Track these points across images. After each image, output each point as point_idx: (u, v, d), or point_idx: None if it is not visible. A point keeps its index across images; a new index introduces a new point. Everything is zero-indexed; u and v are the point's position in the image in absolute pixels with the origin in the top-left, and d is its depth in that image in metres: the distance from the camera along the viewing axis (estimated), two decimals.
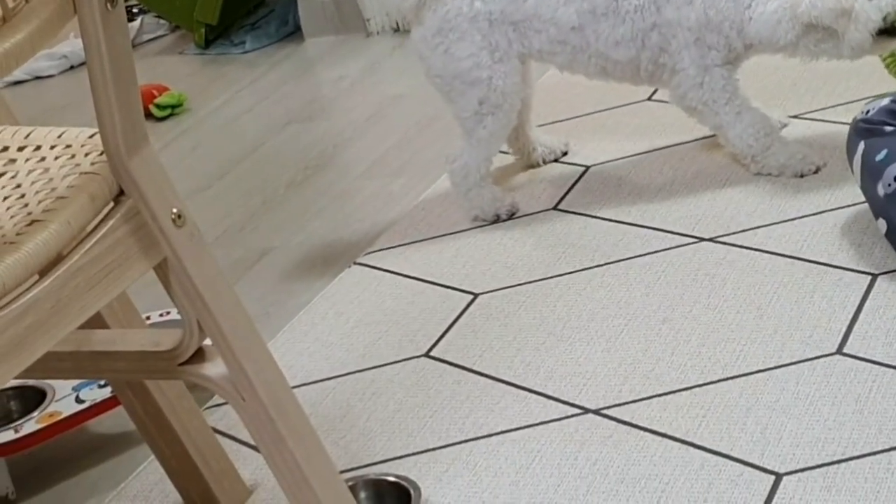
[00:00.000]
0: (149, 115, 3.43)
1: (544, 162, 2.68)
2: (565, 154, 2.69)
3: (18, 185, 1.44)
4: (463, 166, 2.51)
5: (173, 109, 3.54)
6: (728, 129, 2.44)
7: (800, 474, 1.71)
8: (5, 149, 1.52)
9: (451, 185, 2.55)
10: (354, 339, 2.25)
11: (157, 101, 3.51)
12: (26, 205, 1.41)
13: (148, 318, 2.18)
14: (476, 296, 2.29)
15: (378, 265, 2.48)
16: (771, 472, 1.72)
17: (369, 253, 2.53)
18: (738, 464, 1.75)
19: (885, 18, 2.26)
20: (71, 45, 4.06)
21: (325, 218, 2.77)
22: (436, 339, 2.19)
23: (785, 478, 1.70)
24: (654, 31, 2.40)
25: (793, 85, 2.75)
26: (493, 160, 2.55)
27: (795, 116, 2.63)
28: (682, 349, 2.01)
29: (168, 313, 2.23)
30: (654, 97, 2.85)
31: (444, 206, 2.64)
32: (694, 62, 2.40)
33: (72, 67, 4.09)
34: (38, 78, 4.06)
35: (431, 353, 2.16)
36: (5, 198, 1.43)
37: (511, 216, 2.51)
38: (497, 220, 2.51)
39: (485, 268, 2.37)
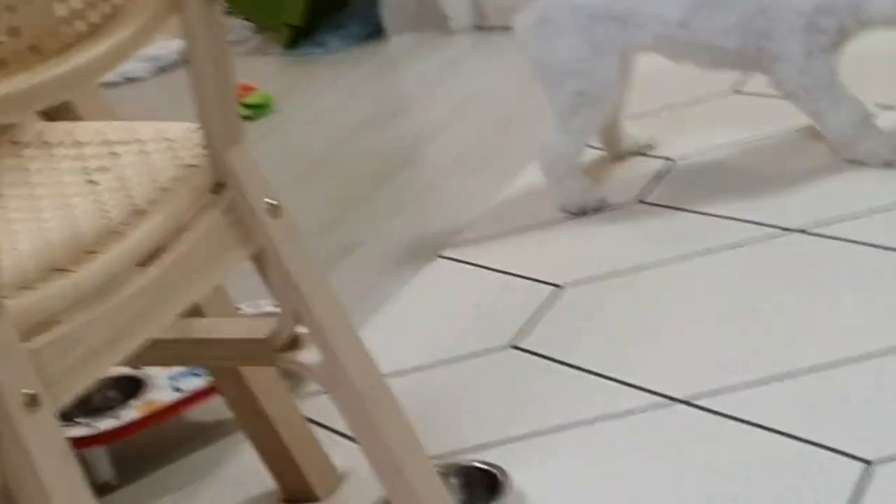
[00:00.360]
0: None
1: (628, 154, 2.70)
2: (649, 148, 2.70)
3: (123, 178, 1.48)
4: (555, 156, 2.53)
5: (261, 109, 3.59)
6: (826, 115, 2.43)
7: (892, 462, 1.71)
8: (109, 143, 1.56)
9: (542, 174, 2.57)
10: (441, 330, 2.28)
11: (245, 101, 3.55)
12: (131, 196, 1.44)
13: (240, 308, 2.21)
14: (561, 287, 2.31)
15: (462, 258, 2.50)
16: (862, 460, 1.72)
17: (454, 247, 2.56)
18: (828, 451, 1.75)
19: None
20: (160, 47, 4.11)
21: (409, 213, 2.80)
22: (522, 330, 2.21)
23: (876, 465, 1.71)
24: (760, 16, 2.39)
25: (880, 74, 2.75)
26: (584, 152, 2.56)
27: (883, 107, 2.62)
28: (771, 339, 2.02)
29: (259, 304, 2.26)
30: (739, 89, 2.86)
31: (527, 199, 2.66)
32: (800, 47, 2.39)
33: (162, 69, 4.14)
34: (129, 80, 4.12)
35: (518, 345, 2.18)
36: (111, 189, 1.47)
37: (598, 210, 2.53)
38: (583, 213, 2.53)
39: (569, 260, 2.39)
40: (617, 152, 2.70)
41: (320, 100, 3.61)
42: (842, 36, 2.39)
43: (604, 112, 2.51)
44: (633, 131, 2.70)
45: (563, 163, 2.53)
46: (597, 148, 2.75)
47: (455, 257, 2.51)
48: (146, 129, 1.57)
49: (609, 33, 2.45)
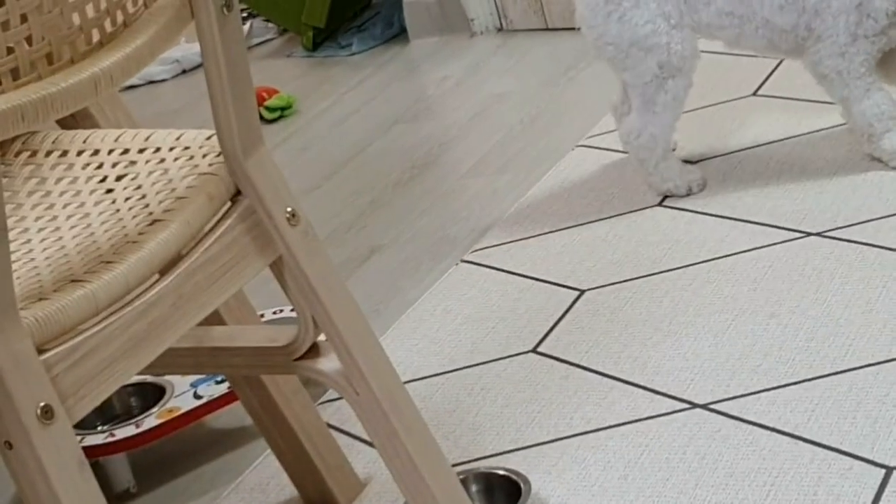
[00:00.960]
0: (259, 117, 3.47)
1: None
2: (672, 150, 2.69)
3: (140, 186, 1.48)
4: (649, 138, 2.50)
5: (283, 111, 3.59)
6: (854, 103, 2.41)
7: None
8: (126, 151, 1.56)
9: (637, 161, 2.54)
10: (462, 335, 2.28)
11: (266, 103, 3.56)
12: (147, 205, 1.44)
13: (262, 315, 2.22)
14: (582, 292, 2.31)
15: (484, 262, 2.50)
16: (881, 466, 1.72)
17: (476, 250, 2.56)
18: (847, 457, 1.75)
19: None
20: (182, 49, 4.12)
21: (431, 216, 2.79)
22: (543, 335, 2.21)
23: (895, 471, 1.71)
24: None
25: None
26: (674, 131, 2.53)
27: None
28: (790, 344, 2.01)
29: (281, 311, 2.26)
30: (759, 92, 2.85)
31: (549, 203, 2.66)
32: (846, 29, 2.37)
33: (184, 72, 4.15)
34: (151, 82, 4.13)
35: (539, 349, 2.18)
36: (127, 198, 1.47)
37: (702, 188, 2.52)
38: (689, 192, 2.51)
39: (591, 264, 2.39)
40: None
41: (342, 102, 3.61)
42: (891, 25, 2.37)
43: (688, 81, 2.47)
44: None
45: (659, 144, 2.50)
46: (619, 151, 2.75)
47: (477, 261, 2.51)
48: (164, 136, 1.57)
49: (679, 10, 2.43)
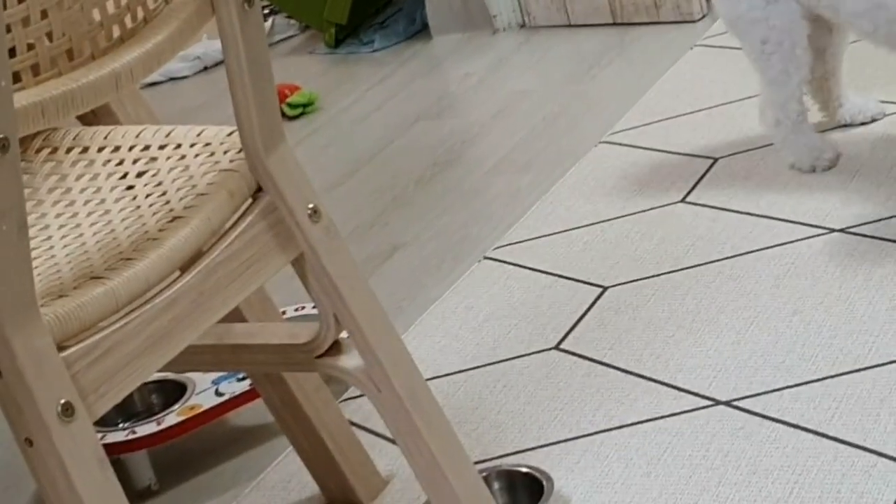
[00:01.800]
0: (281, 114, 3.47)
1: (853, 122, 2.63)
2: (877, 119, 2.62)
3: (160, 183, 1.48)
4: (772, 113, 2.50)
5: (305, 108, 3.59)
6: None
7: None
8: (147, 147, 1.56)
9: (771, 137, 2.54)
10: (485, 332, 2.28)
11: (289, 100, 3.56)
12: (168, 202, 1.44)
13: (284, 312, 2.22)
14: (605, 289, 2.30)
15: (507, 259, 2.50)
16: None
17: (498, 247, 2.55)
18: (871, 454, 1.74)
19: None
20: (204, 46, 4.12)
21: (454, 213, 2.79)
22: (565, 332, 2.21)
23: None
24: None
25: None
26: (804, 105, 2.50)
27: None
28: (813, 340, 2.00)
29: (303, 308, 2.26)
30: None
31: (572, 200, 2.65)
32: None
33: (205, 68, 4.16)
34: (172, 79, 4.14)
35: (561, 346, 2.17)
36: (148, 195, 1.47)
37: (829, 168, 2.49)
38: (813, 170, 2.49)
39: (613, 261, 2.38)
40: (836, 117, 2.64)
41: (365, 99, 3.61)
42: None
43: (794, 56, 2.44)
44: (857, 98, 2.64)
45: (782, 117, 2.48)
46: (641, 147, 2.74)
47: (499, 258, 2.51)
48: (185, 132, 1.57)
49: None
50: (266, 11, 4.30)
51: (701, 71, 3.06)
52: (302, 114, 3.58)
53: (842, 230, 2.26)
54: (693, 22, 3.42)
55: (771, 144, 2.59)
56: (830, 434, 1.80)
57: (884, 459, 1.72)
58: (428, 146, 3.18)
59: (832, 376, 1.91)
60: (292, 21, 4.30)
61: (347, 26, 4.05)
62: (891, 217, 2.26)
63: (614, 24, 3.59)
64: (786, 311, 2.09)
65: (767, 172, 2.53)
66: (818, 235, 2.27)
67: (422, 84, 3.62)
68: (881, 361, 1.91)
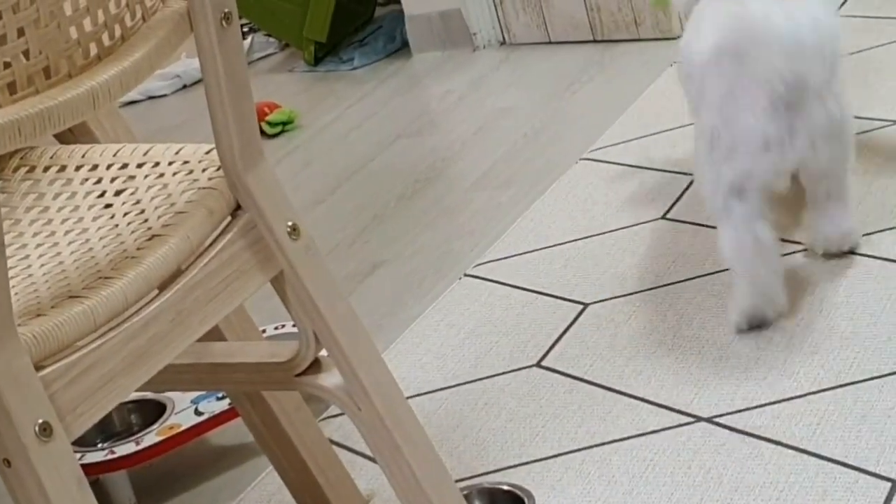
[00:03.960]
0: (260, 132, 3.46)
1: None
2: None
3: (138, 201, 1.47)
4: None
5: (284, 126, 3.59)
6: None
7: None
8: (125, 166, 1.55)
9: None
10: (466, 349, 2.27)
11: (268, 118, 3.56)
12: (146, 220, 1.43)
13: (264, 330, 2.21)
14: (586, 306, 2.30)
15: (488, 276, 2.49)
16: (887, 479, 1.71)
17: (479, 265, 2.55)
18: (853, 471, 1.74)
19: None
20: (183, 64, 4.12)
21: (435, 231, 2.79)
22: (547, 349, 2.20)
23: None
24: None
25: None
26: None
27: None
28: (794, 357, 2.00)
29: (283, 326, 2.25)
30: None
31: (553, 217, 2.65)
32: None
33: (184, 87, 4.15)
34: (152, 98, 4.13)
35: (543, 363, 2.17)
36: (126, 214, 1.46)
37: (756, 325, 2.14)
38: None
39: (594, 278, 2.38)
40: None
41: (345, 117, 3.61)
42: None
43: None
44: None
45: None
46: (622, 164, 2.74)
47: (481, 275, 2.50)
48: (163, 150, 1.56)
49: None
50: (245, 30, 4.30)
51: (681, 88, 3.05)
52: (282, 132, 3.58)
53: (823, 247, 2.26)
54: (673, 39, 3.42)
55: None
56: (812, 450, 1.79)
57: (865, 476, 1.72)
58: (408, 163, 3.18)
59: (814, 392, 1.91)
60: (271, 39, 4.30)
61: (327, 44, 4.05)
62: (872, 233, 2.25)
63: (594, 41, 3.60)
64: (767, 328, 2.08)
65: None
66: (799, 252, 2.27)
67: (402, 102, 3.62)
68: (863, 377, 1.91)
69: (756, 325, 2.08)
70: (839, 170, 2.13)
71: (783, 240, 2.31)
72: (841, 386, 1.91)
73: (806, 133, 2.03)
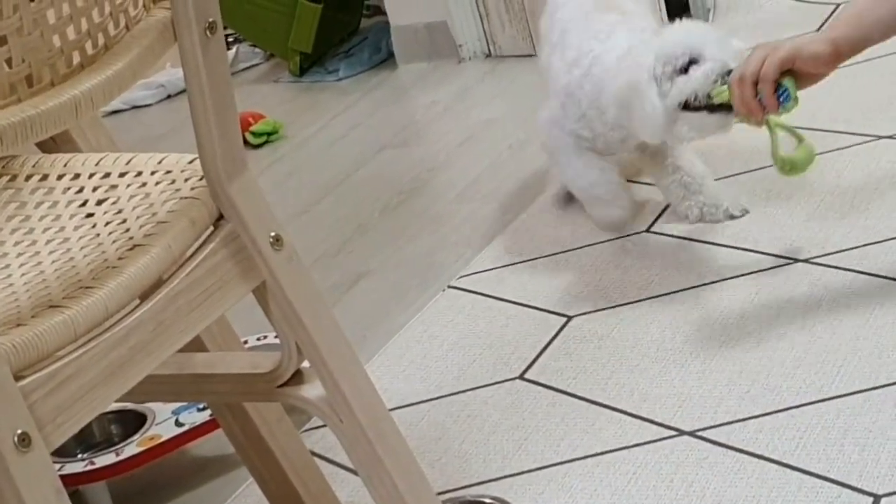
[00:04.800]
0: (245, 143, 3.44)
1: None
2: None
3: (120, 211, 1.47)
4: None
5: (269, 137, 3.58)
6: None
7: None
8: (107, 175, 1.54)
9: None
10: (449, 361, 2.27)
11: (253, 128, 3.55)
12: (128, 229, 1.43)
13: (245, 342, 2.20)
14: (570, 318, 2.29)
15: (472, 288, 2.49)
16: (869, 494, 1.71)
17: (463, 276, 2.54)
18: (835, 485, 1.74)
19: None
20: (168, 74, 4.11)
21: (419, 242, 2.78)
22: (530, 361, 2.20)
23: (883, 499, 1.69)
24: None
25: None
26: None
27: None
28: (777, 371, 2.00)
29: (265, 337, 2.25)
30: None
31: (538, 229, 2.64)
32: None
33: (169, 97, 4.14)
34: (135, 107, 4.12)
35: (526, 376, 2.16)
36: (108, 223, 1.45)
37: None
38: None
39: (578, 290, 2.37)
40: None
41: (330, 127, 3.60)
42: None
43: None
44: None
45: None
46: None
47: (464, 287, 2.50)
48: (145, 160, 1.55)
49: None
50: (230, 40, 4.29)
51: None
52: (266, 142, 3.57)
53: (806, 261, 2.26)
54: None
55: (734, 175, 2.60)
56: (794, 464, 1.79)
57: (847, 490, 1.72)
58: (393, 174, 3.17)
59: (796, 406, 1.91)
60: (257, 49, 4.30)
61: (312, 55, 4.05)
62: (853, 248, 2.26)
63: None
64: (750, 341, 2.09)
65: None
66: (783, 266, 2.27)
67: (387, 112, 3.62)
68: (845, 392, 1.91)
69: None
70: None
71: (757, 252, 2.31)
72: (824, 400, 1.91)
73: None
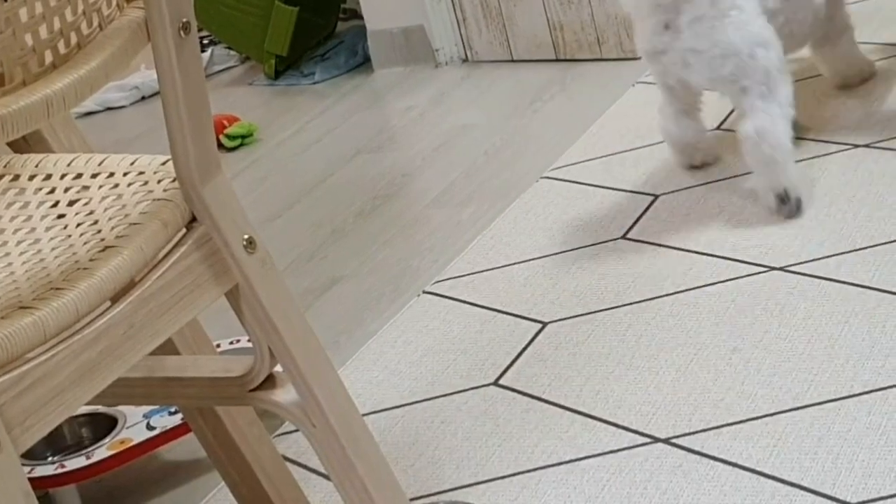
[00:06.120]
0: (219, 146, 3.43)
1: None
2: None
3: (92, 212, 1.45)
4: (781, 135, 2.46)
5: (243, 139, 3.57)
6: None
7: None
8: (79, 176, 1.53)
9: (765, 163, 2.45)
10: (423, 367, 2.26)
11: (227, 131, 3.54)
12: (100, 231, 1.41)
13: (218, 345, 2.19)
14: (545, 324, 2.29)
15: (447, 294, 2.48)
16: (843, 502, 1.70)
17: (438, 282, 2.53)
18: (809, 493, 1.73)
19: None
20: (142, 75, 4.10)
21: (393, 247, 2.77)
22: (504, 367, 2.19)
23: None
24: None
25: None
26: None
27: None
28: (752, 378, 1.99)
29: (238, 341, 2.24)
30: (723, 126, 2.84)
31: (513, 234, 2.64)
32: None
33: (143, 98, 4.13)
34: (109, 109, 4.10)
35: (500, 382, 2.16)
36: (79, 224, 1.44)
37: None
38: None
39: (553, 297, 2.37)
40: None
41: (305, 131, 3.59)
42: None
43: None
44: None
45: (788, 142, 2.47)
46: (583, 183, 2.74)
47: (439, 293, 2.49)
48: (118, 161, 1.54)
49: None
50: (205, 42, 4.28)
51: (643, 108, 3.06)
52: (241, 145, 3.56)
53: (781, 269, 2.26)
54: (635, 59, 3.42)
55: (712, 182, 2.60)
56: (768, 473, 1.79)
57: (821, 498, 1.72)
58: (368, 179, 3.17)
59: (771, 414, 1.90)
60: (232, 52, 4.28)
61: (288, 58, 4.04)
62: (830, 256, 2.26)
63: (557, 59, 3.60)
64: (726, 349, 2.08)
65: (708, 210, 2.52)
66: (758, 273, 2.26)
67: (363, 117, 3.61)
68: (820, 400, 1.91)
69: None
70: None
71: (732, 259, 2.31)
72: (798, 408, 1.90)
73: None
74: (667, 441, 1.91)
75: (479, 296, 2.44)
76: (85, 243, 1.40)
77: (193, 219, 1.48)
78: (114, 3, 1.37)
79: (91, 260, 1.37)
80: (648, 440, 1.92)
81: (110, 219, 1.43)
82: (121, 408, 2.07)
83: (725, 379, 2.01)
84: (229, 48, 4.26)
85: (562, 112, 3.26)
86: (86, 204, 1.48)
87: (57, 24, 1.30)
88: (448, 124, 3.38)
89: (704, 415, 1.94)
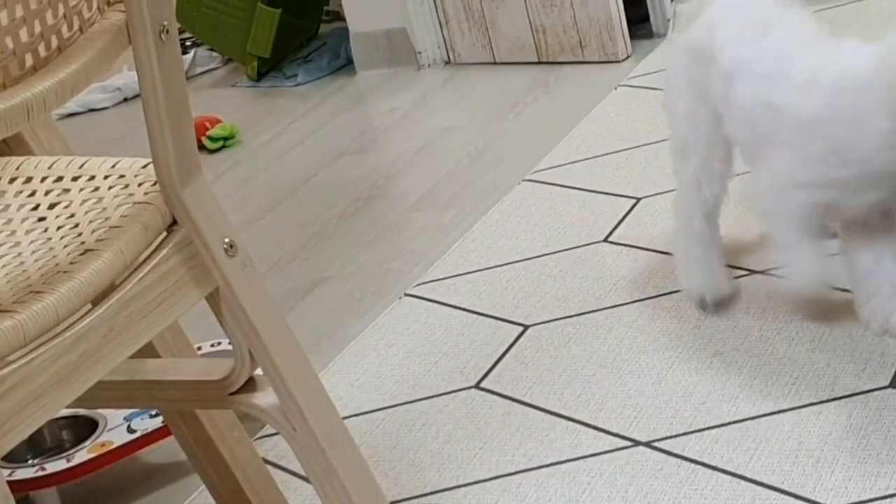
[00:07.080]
0: (201, 147, 3.45)
1: None
2: None
3: (72, 215, 1.45)
4: (677, 219, 2.25)
5: (226, 141, 3.56)
6: None
7: None
8: (60, 178, 1.52)
9: (669, 246, 2.30)
10: (405, 370, 2.25)
11: (209, 133, 3.53)
12: (80, 234, 1.41)
13: (199, 348, 2.19)
14: (526, 327, 2.29)
15: (429, 297, 2.48)
16: None
17: (420, 284, 2.53)
18: (789, 497, 1.73)
19: None
20: (124, 77, 4.09)
21: (375, 249, 2.77)
22: (486, 370, 2.19)
23: None
24: None
25: None
26: (714, 226, 2.25)
27: None
28: (733, 382, 2.00)
29: (219, 344, 2.23)
30: None
31: (495, 237, 2.64)
32: None
33: (125, 100, 4.12)
34: (91, 110, 4.09)
35: (481, 385, 2.16)
36: (59, 227, 1.43)
37: (717, 308, 2.20)
38: (701, 306, 2.23)
39: (535, 300, 2.37)
40: None
41: (287, 133, 3.59)
42: None
43: (707, 169, 2.21)
44: None
45: (684, 228, 2.23)
46: (565, 186, 2.74)
47: (421, 295, 2.49)
48: (99, 164, 1.54)
49: None
50: (188, 44, 4.27)
51: (625, 111, 3.07)
52: (223, 147, 3.56)
53: (763, 272, 2.26)
54: (618, 62, 3.43)
55: None
56: (749, 476, 1.79)
57: (801, 502, 1.72)
58: (351, 181, 3.16)
59: (752, 418, 1.91)
60: (214, 53, 4.28)
61: (271, 59, 4.03)
62: None
63: (539, 62, 3.60)
64: (707, 352, 2.08)
65: None
66: (740, 277, 2.27)
67: (345, 119, 3.61)
68: (801, 403, 1.91)
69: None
70: None
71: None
72: (779, 412, 1.90)
73: None
74: (648, 444, 1.91)
75: (461, 298, 2.44)
76: (65, 246, 1.39)
77: (174, 222, 1.48)
78: (94, 6, 1.37)
79: (71, 263, 1.37)
80: (630, 443, 1.92)
81: (91, 222, 1.43)
82: (101, 410, 2.07)
83: (707, 382, 2.01)
84: (212, 50, 4.26)
85: (544, 115, 3.26)
86: (66, 207, 1.47)
87: (38, 27, 1.30)
88: (431, 126, 3.38)
89: (685, 418, 1.94)
